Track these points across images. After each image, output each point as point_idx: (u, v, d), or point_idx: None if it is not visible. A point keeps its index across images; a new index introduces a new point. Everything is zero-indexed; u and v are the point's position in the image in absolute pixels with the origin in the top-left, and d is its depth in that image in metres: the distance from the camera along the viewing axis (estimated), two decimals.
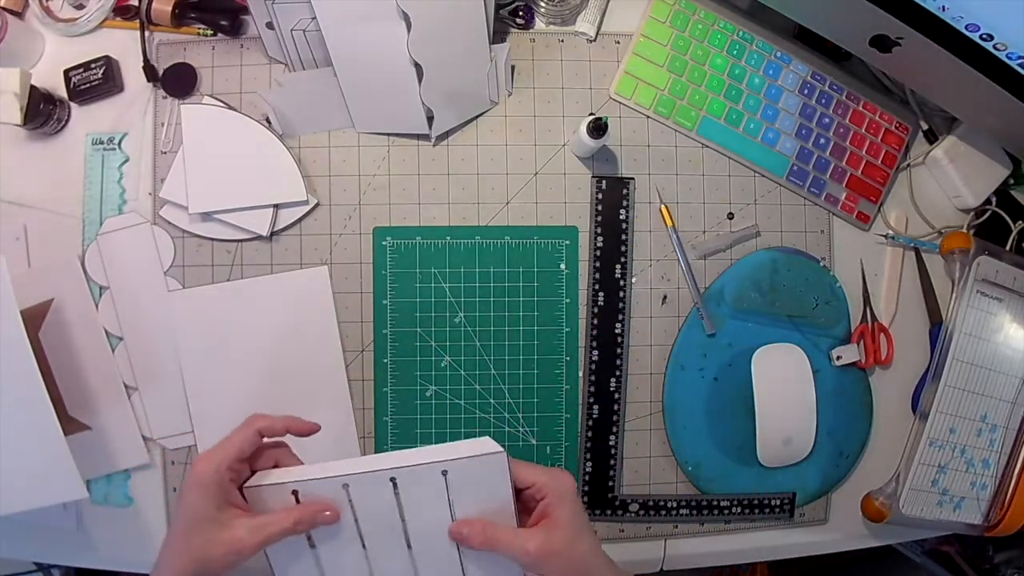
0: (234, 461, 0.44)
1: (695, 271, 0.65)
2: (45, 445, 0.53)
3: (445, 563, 0.50)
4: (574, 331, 0.64)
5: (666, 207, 0.64)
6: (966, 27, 0.50)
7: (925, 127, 0.69)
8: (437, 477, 0.49)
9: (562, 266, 0.64)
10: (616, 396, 0.63)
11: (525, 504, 0.50)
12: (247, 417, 0.46)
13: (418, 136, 0.63)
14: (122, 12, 0.63)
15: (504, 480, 0.48)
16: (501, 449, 0.48)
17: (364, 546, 0.50)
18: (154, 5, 0.61)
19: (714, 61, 0.65)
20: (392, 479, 0.48)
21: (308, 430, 0.49)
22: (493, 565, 0.50)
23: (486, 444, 0.48)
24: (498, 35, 0.64)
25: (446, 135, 0.64)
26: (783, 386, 0.63)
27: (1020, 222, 0.69)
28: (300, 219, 0.62)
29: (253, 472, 0.47)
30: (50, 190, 0.62)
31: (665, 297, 0.65)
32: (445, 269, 0.63)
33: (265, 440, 0.46)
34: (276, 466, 0.47)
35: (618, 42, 0.65)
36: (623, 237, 0.64)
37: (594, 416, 0.63)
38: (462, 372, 0.63)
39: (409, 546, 0.50)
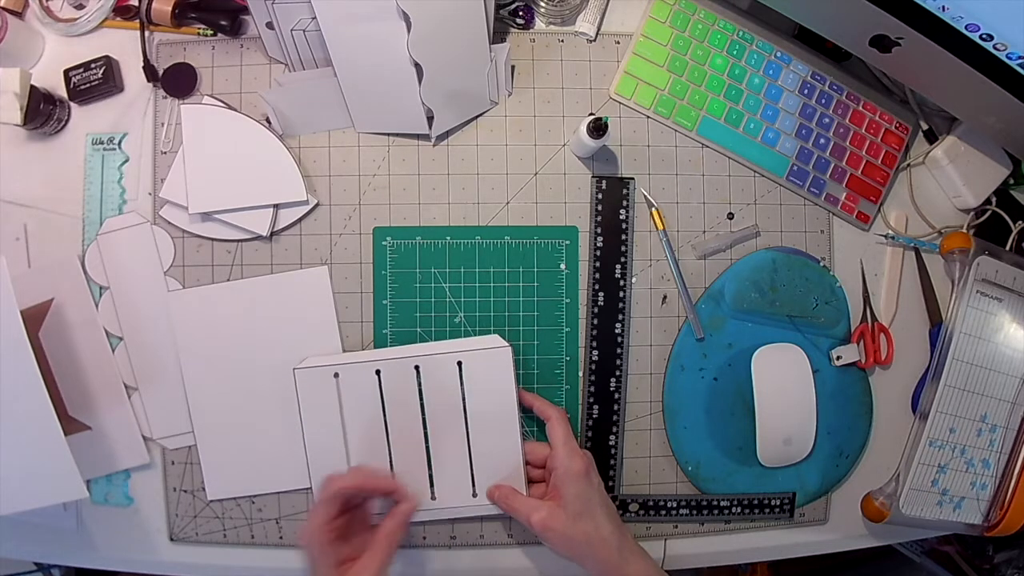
0: (324, 525, 0.50)
1: (695, 271, 0.65)
2: (45, 445, 0.53)
3: (454, 446, 0.57)
4: (574, 331, 0.64)
5: (658, 211, 0.64)
6: (966, 27, 0.50)
7: (925, 127, 0.69)
8: (453, 366, 0.57)
9: (562, 266, 0.64)
10: (616, 396, 0.63)
11: (547, 469, 0.57)
12: (323, 481, 0.52)
13: (418, 136, 0.63)
14: (122, 12, 0.63)
15: (508, 373, 0.57)
16: (507, 345, 0.57)
17: (387, 425, 0.57)
18: (154, 5, 0.61)
19: (714, 61, 0.65)
20: (416, 366, 0.57)
21: (384, 488, 0.54)
22: (493, 457, 0.57)
23: (495, 340, 0.58)
24: (498, 35, 0.64)
25: (446, 135, 0.64)
26: (783, 386, 0.63)
27: (1020, 222, 0.69)
28: (300, 219, 0.62)
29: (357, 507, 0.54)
30: (50, 190, 0.62)
31: (665, 297, 0.65)
32: (445, 269, 0.63)
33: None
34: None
35: (618, 42, 0.65)
36: (623, 237, 0.64)
37: (594, 416, 0.63)
38: None
39: (425, 428, 0.57)
